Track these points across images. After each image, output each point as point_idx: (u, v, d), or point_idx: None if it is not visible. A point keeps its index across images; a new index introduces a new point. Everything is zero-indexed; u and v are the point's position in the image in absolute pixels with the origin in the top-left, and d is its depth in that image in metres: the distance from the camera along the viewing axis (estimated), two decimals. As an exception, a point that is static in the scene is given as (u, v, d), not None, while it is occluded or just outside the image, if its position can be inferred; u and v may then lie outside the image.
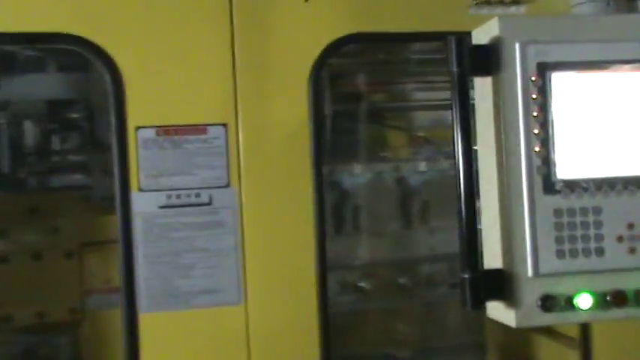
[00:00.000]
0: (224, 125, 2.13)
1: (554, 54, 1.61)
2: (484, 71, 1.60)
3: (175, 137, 2.10)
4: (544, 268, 1.59)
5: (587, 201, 1.61)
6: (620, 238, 1.62)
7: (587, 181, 1.61)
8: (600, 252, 1.61)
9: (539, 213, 1.59)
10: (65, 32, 2.02)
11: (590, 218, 1.61)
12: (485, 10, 2.27)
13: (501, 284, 1.59)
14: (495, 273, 1.60)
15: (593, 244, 1.61)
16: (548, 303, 1.58)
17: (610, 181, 1.62)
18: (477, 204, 1.60)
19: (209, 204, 2.12)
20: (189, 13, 2.10)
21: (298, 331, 2.17)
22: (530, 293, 1.59)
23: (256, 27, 2.16)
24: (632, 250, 1.63)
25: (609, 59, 1.64)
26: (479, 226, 1.61)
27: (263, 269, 2.16)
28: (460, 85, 1.56)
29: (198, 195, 2.12)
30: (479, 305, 1.58)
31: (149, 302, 2.09)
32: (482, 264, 1.65)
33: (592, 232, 1.61)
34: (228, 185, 2.13)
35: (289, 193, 2.17)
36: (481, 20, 1.69)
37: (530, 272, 1.59)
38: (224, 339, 2.14)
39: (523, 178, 1.59)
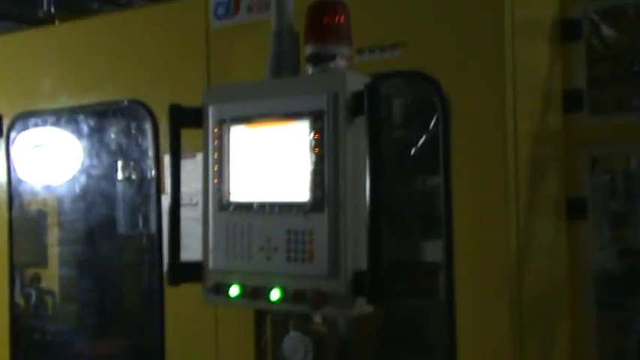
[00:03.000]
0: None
1: (230, 111, 2.24)
2: (194, 126, 2.34)
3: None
4: (217, 264, 2.26)
5: (244, 219, 2.20)
6: (261, 248, 2.16)
7: (246, 203, 2.20)
8: (249, 257, 2.19)
9: (216, 225, 2.26)
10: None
11: (245, 231, 2.19)
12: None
13: (199, 272, 2.32)
14: (195, 264, 2.33)
15: (245, 251, 2.19)
16: (216, 289, 2.24)
17: (258, 205, 2.17)
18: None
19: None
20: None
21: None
22: (210, 280, 2.27)
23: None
24: (269, 258, 2.15)
25: (267, 113, 2.17)
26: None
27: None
28: (172, 138, 2.34)
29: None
30: (176, 282, 2.33)
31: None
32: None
33: (245, 241, 2.19)
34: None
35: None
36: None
37: (210, 266, 2.27)
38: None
39: (209, 199, 2.28)
